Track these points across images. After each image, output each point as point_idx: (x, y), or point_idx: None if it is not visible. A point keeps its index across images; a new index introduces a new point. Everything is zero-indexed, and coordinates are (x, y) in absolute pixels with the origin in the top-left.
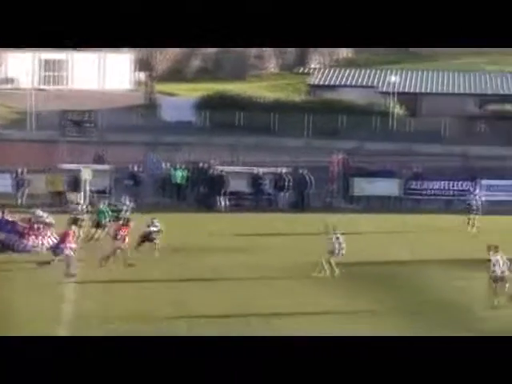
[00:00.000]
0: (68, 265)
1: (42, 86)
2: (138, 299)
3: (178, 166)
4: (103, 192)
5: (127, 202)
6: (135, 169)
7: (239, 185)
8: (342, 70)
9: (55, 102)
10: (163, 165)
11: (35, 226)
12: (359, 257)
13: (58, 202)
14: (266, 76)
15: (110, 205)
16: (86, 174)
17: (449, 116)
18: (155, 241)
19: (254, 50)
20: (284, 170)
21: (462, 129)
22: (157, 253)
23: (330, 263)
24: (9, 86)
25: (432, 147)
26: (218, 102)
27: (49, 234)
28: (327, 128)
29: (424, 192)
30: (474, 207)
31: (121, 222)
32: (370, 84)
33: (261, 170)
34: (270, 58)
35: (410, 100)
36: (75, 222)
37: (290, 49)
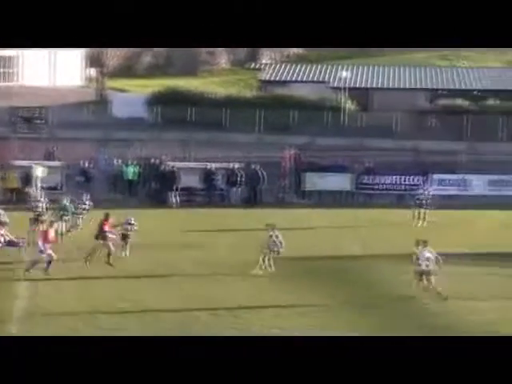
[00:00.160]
0: (48, 264)
1: None
2: (89, 296)
3: (129, 162)
4: (55, 188)
5: (86, 202)
6: (86, 165)
7: (191, 180)
8: (294, 66)
9: (5, 98)
10: (115, 161)
11: None
12: (311, 251)
13: (11, 198)
14: (218, 72)
15: (72, 201)
16: (39, 170)
17: (400, 111)
18: (128, 239)
19: None
20: (236, 166)
21: (414, 123)
22: (127, 252)
23: (268, 260)
24: None
25: (383, 142)
26: (169, 97)
27: (2, 232)
28: (279, 123)
29: (376, 186)
30: (424, 201)
31: (102, 218)
32: (321, 79)
33: (213, 166)
34: (221, 54)
35: (362, 95)
36: (38, 219)
37: None
